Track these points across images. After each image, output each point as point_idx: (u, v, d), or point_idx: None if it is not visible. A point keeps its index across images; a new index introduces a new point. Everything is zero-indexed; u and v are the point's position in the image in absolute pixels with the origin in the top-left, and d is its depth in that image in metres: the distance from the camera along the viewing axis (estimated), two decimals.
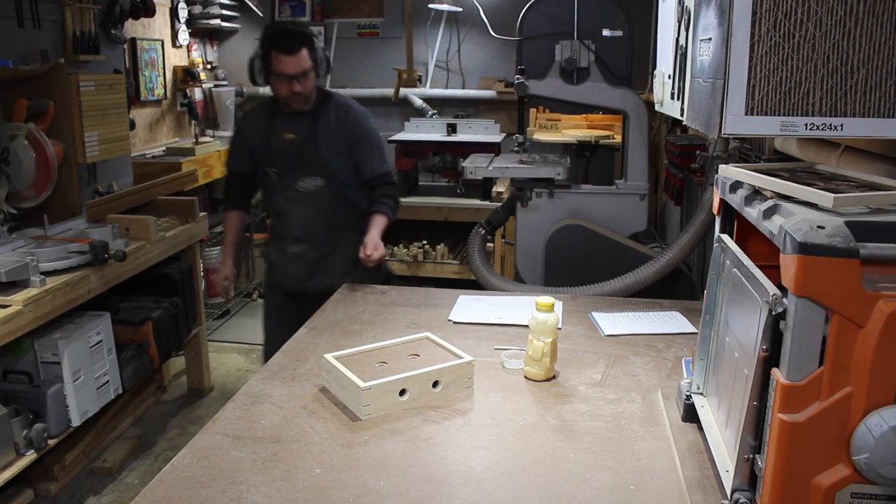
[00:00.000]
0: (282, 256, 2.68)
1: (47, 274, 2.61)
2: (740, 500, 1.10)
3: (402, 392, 1.56)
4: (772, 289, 1.06)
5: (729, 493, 1.12)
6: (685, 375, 1.66)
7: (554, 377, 1.72)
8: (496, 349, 1.87)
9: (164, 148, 4.72)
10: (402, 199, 4.45)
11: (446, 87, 5.34)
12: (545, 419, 1.52)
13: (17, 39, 3.29)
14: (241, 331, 4.65)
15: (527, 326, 1.72)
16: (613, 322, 2.07)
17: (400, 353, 1.73)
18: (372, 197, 2.64)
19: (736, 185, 1.32)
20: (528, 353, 1.71)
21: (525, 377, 1.72)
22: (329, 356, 1.65)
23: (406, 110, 5.27)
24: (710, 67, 1.31)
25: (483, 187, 4.42)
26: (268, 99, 2.66)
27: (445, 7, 4.66)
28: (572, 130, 4.33)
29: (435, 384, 1.61)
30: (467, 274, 3.94)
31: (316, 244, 2.63)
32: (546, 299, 1.70)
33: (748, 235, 1.36)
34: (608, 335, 1.99)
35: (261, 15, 5.37)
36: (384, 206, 2.63)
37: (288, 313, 2.64)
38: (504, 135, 4.71)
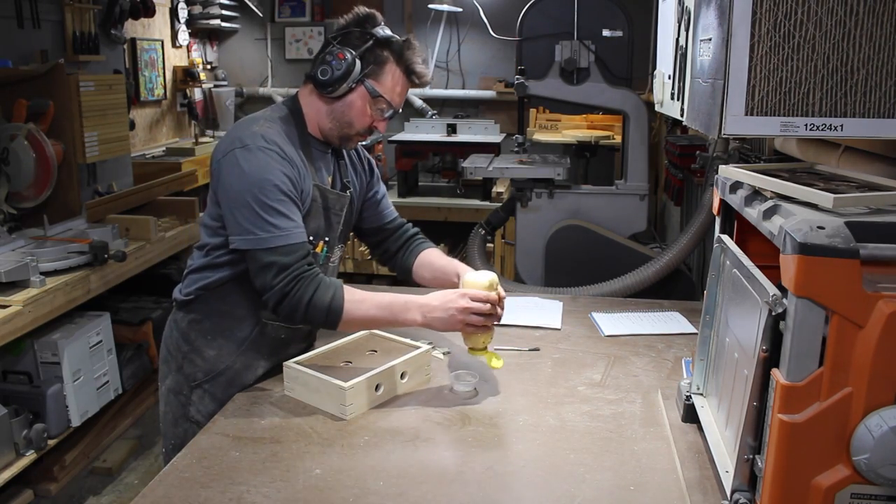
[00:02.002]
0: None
1: (47, 274, 2.61)
2: (740, 501, 1.10)
3: (377, 387, 1.58)
4: (772, 289, 1.06)
5: (729, 493, 1.12)
6: (685, 376, 1.66)
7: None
8: (497, 349, 1.86)
9: (163, 148, 4.72)
10: (402, 200, 4.51)
11: (446, 88, 5.34)
12: (545, 419, 1.52)
13: (17, 39, 3.29)
14: None
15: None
16: (613, 322, 2.07)
17: (357, 350, 1.73)
18: (401, 245, 1.93)
19: (736, 186, 1.32)
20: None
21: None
22: (291, 363, 1.63)
23: (406, 110, 5.26)
24: (710, 68, 1.31)
25: (483, 187, 4.43)
26: (283, 117, 1.68)
27: (445, 7, 4.66)
28: (572, 131, 4.33)
29: (402, 375, 1.63)
30: None
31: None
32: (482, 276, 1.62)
33: (748, 236, 1.36)
34: (608, 335, 1.99)
35: (260, 15, 5.37)
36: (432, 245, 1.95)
37: None
38: (504, 135, 4.71)
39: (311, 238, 1.66)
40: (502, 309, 1.63)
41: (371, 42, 1.64)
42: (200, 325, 1.70)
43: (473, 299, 1.56)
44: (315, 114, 1.70)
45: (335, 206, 1.72)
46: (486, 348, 1.60)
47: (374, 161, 1.95)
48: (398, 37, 1.68)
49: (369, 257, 4.24)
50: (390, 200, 1.98)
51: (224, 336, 1.69)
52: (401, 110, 1.74)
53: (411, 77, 1.70)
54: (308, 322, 1.61)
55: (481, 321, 1.57)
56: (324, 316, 1.56)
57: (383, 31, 1.66)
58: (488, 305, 1.56)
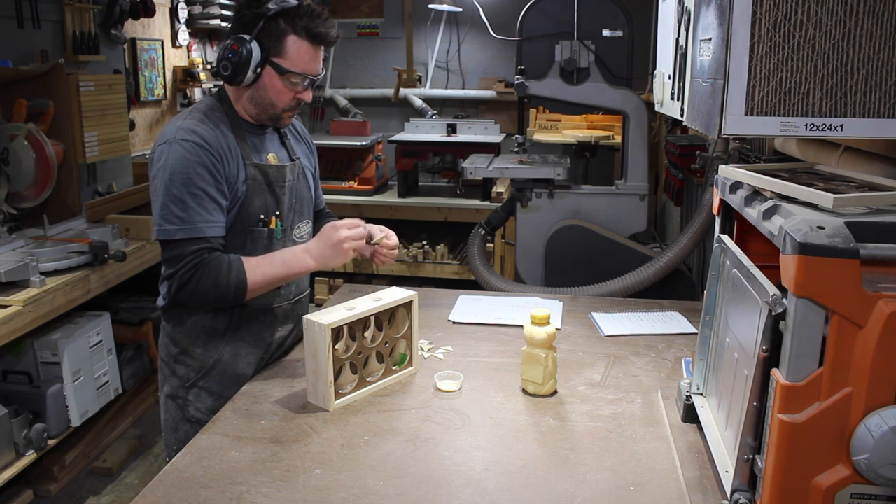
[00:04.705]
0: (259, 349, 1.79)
1: (47, 274, 2.61)
2: (740, 501, 1.10)
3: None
4: (772, 289, 1.06)
5: (729, 493, 1.12)
6: (685, 376, 1.66)
7: (555, 392, 1.66)
8: (496, 349, 1.87)
9: None
10: (402, 200, 4.51)
11: (446, 88, 5.34)
12: (545, 419, 1.52)
13: (17, 39, 3.29)
14: None
15: None
16: (613, 322, 2.07)
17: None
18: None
19: (736, 186, 1.32)
20: (526, 374, 1.64)
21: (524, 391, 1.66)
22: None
23: (406, 110, 5.27)
24: (710, 68, 1.31)
25: (483, 187, 4.43)
26: (208, 108, 1.70)
27: (445, 7, 4.66)
28: (572, 131, 4.33)
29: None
30: (467, 274, 3.94)
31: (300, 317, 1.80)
32: (541, 311, 1.62)
33: (748, 236, 1.36)
34: (608, 335, 1.99)
35: None
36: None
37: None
38: (504, 135, 4.71)
39: (261, 216, 1.70)
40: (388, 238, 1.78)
41: (263, 20, 1.61)
42: (182, 326, 1.75)
43: (343, 227, 1.64)
44: (239, 102, 1.72)
45: (277, 179, 1.72)
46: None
47: (311, 139, 1.98)
48: (291, 2, 1.63)
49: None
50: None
51: (206, 332, 1.73)
52: (322, 73, 1.71)
53: (315, 41, 1.66)
54: (219, 304, 1.66)
55: (362, 242, 1.67)
56: (232, 294, 1.61)
57: (274, 4, 1.61)
58: (360, 229, 1.66)
